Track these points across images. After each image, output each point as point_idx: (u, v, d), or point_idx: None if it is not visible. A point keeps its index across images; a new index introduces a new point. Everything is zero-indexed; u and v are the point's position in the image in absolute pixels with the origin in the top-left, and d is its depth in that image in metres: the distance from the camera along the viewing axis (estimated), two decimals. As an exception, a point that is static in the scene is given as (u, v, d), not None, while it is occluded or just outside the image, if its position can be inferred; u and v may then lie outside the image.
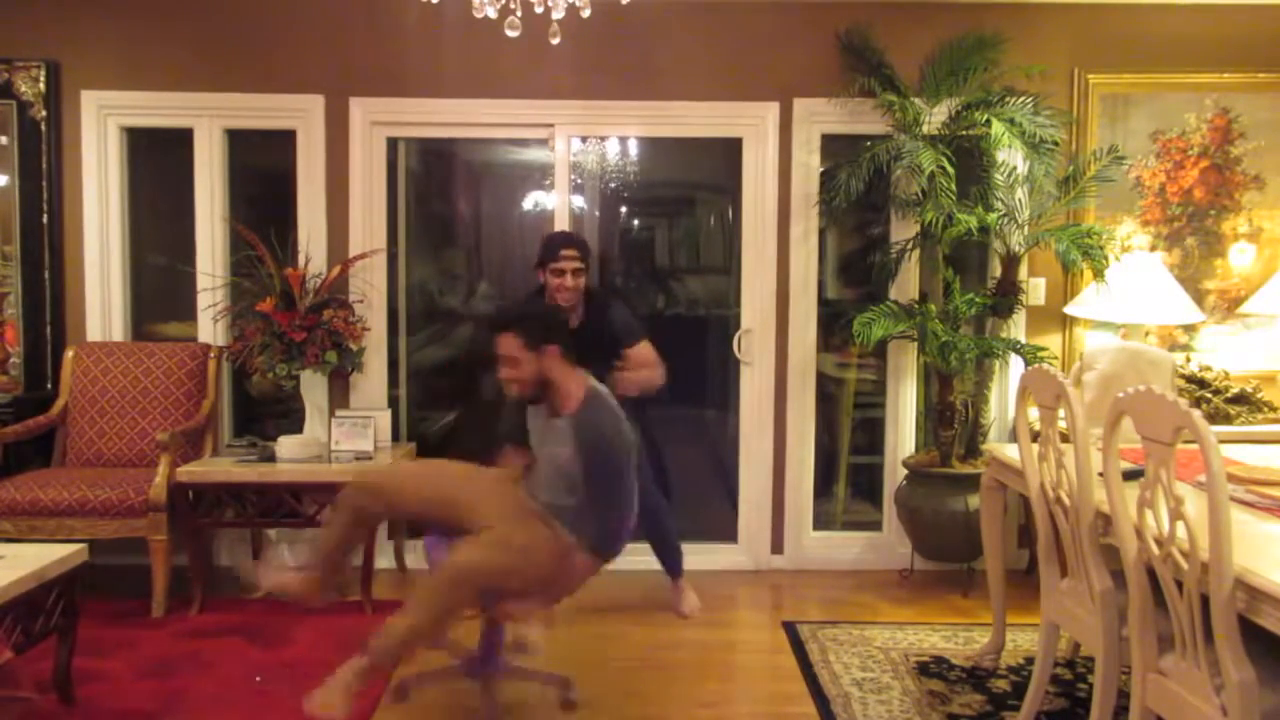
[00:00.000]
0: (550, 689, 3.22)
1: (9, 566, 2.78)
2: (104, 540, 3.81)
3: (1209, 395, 4.36)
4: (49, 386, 4.48)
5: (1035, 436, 2.92)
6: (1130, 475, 2.55)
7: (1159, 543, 2.24)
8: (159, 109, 4.52)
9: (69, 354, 4.39)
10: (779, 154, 4.54)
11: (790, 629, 3.89)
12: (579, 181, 4.82)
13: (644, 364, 3.81)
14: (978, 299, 4.30)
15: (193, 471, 4.02)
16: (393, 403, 4.66)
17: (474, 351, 5.29)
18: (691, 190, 6.00)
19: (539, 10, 2.78)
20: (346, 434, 4.22)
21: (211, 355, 4.43)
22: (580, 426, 2.84)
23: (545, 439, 3.00)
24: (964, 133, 4.26)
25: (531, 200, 5.17)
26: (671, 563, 4.09)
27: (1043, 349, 4.24)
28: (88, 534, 3.76)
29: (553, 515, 2.94)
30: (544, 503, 2.97)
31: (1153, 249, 4.57)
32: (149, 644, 3.64)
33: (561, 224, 4.60)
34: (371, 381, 4.60)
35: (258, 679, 3.34)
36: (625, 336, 3.83)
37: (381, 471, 3.67)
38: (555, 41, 2.81)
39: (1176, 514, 2.14)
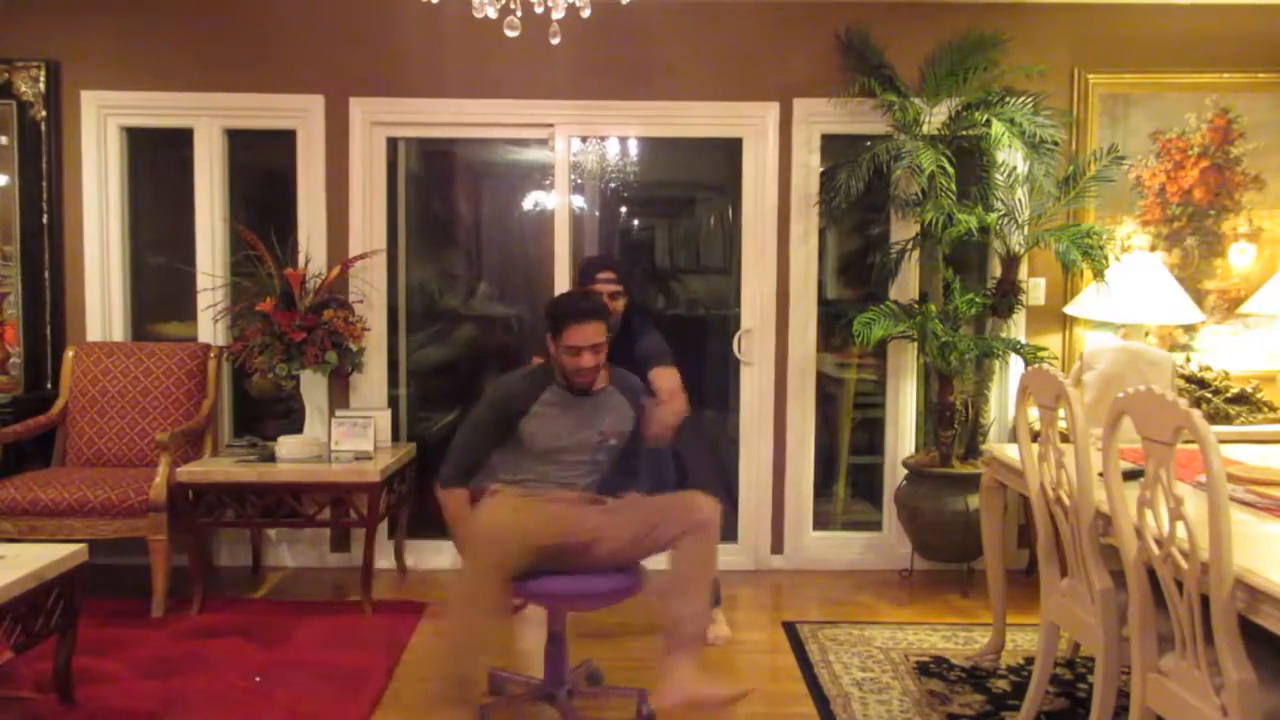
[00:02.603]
0: (628, 703, 3.14)
1: (9, 566, 2.78)
2: (104, 540, 3.81)
3: (1209, 395, 4.36)
4: (49, 386, 4.48)
5: (1035, 436, 2.92)
6: (1130, 475, 2.55)
7: (1159, 543, 2.24)
8: (159, 109, 4.53)
9: (69, 354, 4.39)
10: (779, 154, 4.54)
11: (790, 629, 3.90)
12: (579, 181, 4.81)
13: (672, 393, 3.31)
14: (978, 299, 4.30)
15: (193, 471, 4.02)
16: (393, 403, 4.66)
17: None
18: (691, 190, 5.99)
19: (539, 10, 2.78)
20: (346, 434, 4.22)
21: (211, 355, 4.43)
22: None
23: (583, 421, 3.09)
24: (964, 133, 4.26)
25: (531, 200, 5.17)
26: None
27: (1043, 349, 4.24)
28: (88, 534, 3.76)
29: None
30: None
31: (1153, 249, 4.57)
32: (149, 644, 3.64)
33: (562, 224, 4.60)
34: (371, 381, 4.60)
35: (258, 679, 3.34)
36: (652, 356, 3.45)
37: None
38: (555, 41, 2.81)
39: (1176, 514, 2.14)
